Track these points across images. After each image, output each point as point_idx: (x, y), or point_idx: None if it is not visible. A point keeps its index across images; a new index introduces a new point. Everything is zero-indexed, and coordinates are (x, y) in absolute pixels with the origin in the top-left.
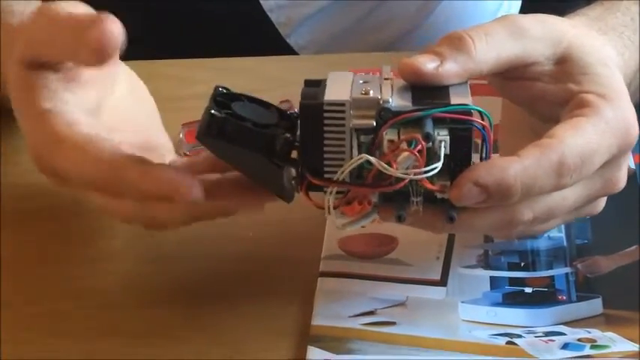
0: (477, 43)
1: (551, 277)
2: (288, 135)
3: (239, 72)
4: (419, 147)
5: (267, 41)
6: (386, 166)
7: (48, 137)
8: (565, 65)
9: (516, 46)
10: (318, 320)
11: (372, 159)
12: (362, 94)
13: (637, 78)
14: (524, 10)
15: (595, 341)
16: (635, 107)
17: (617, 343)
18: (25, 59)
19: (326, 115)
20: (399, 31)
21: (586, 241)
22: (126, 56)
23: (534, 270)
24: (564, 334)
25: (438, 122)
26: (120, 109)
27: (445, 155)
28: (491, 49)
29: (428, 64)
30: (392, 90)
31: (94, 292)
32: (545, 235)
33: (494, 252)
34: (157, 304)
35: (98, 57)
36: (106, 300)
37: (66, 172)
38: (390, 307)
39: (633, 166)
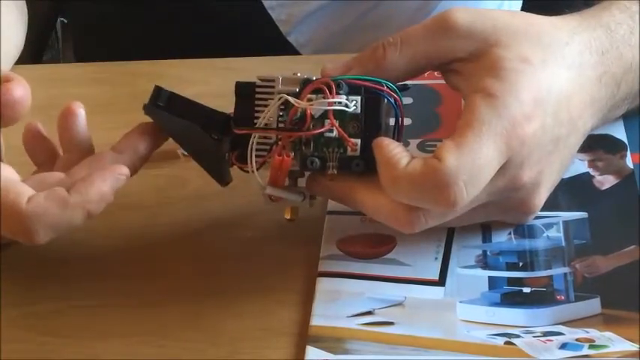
0: (388, 52)
1: (550, 277)
2: (225, 112)
3: (239, 72)
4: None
5: (268, 39)
6: (300, 101)
7: None
8: (480, 61)
9: (433, 47)
10: (316, 320)
11: (290, 98)
12: (292, 75)
13: (633, 77)
14: (524, 10)
15: (593, 341)
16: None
17: (616, 342)
18: None
19: (258, 89)
20: (399, 28)
21: (584, 241)
22: (127, 57)
23: (533, 270)
24: (563, 334)
25: (353, 91)
26: None
27: (358, 116)
28: (404, 55)
29: (326, 71)
30: None
31: (93, 292)
32: (544, 235)
33: (493, 252)
34: (155, 304)
35: None
36: (104, 300)
37: None
38: (389, 307)
39: (631, 166)
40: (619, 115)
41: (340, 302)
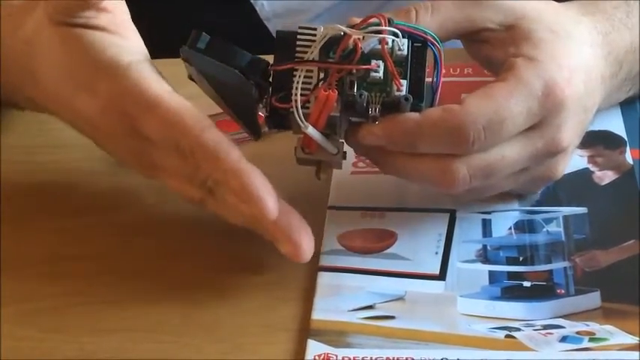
0: (420, 14)
1: (550, 271)
2: (266, 60)
3: None
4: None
5: (264, 51)
6: (352, 29)
7: (137, 99)
8: (512, 31)
9: (462, 15)
10: (318, 314)
11: (343, 28)
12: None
13: (633, 58)
14: None
15: (593, 334)
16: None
17: (615, 335)
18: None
19: (299, 37)
20: None
21: (584, 236)
22: None
23: (533, 264)
24: (563, 327)
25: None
26: None
27: (403, 60)
28: (434, 20)
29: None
30: None
31: (93, 289)
32: (544, 229)
33: (493, 247)
34: (156, 300)
35: None
36: (105, 297)
37: (155, 136)
38: (389, 301)
39: (631, 162)
40: (619, 99)
41: (341, 296)
